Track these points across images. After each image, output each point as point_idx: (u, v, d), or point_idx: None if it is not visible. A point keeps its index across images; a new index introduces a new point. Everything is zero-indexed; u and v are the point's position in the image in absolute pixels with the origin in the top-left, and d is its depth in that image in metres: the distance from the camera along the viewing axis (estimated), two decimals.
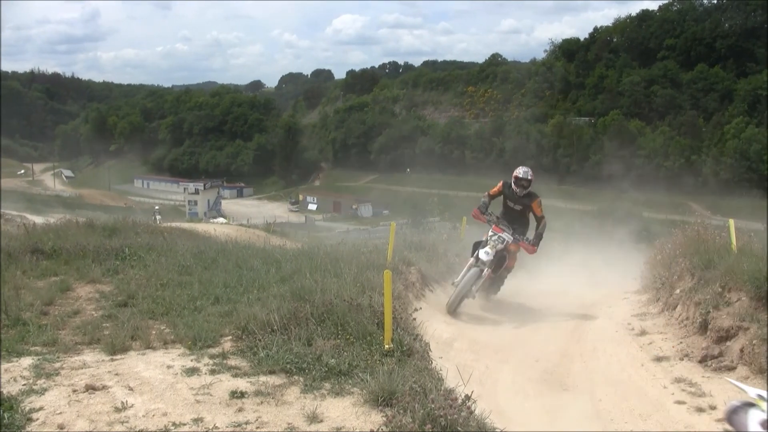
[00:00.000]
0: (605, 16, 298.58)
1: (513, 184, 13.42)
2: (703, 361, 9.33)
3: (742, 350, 8.83)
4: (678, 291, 11.63)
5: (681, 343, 10.22)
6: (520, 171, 13.38)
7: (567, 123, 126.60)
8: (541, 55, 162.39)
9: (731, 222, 12.65)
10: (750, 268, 9.63)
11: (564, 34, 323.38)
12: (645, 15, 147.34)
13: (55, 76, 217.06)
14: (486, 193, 13.83)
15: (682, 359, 9.70)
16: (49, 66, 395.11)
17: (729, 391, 8.31)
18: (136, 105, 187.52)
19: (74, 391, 6.92)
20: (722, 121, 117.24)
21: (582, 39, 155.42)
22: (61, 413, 6.39)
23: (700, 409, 8.10)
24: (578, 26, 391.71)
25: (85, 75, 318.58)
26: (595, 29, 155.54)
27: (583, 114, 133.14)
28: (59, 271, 12.70)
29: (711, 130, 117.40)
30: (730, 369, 8.85)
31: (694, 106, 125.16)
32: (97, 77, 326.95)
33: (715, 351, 9.30)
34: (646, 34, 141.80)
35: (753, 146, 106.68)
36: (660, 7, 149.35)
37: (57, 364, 7.73)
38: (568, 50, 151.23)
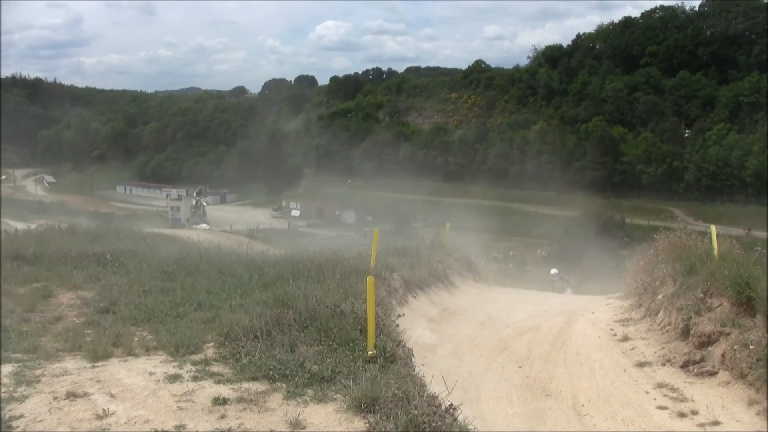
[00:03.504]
0: (588, 22, 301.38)
1: None
2: (684, 366, 9.34)
3: (723, 355, 8.85)
4: (660, 297, 11.66)
5: (663, 348, 10.24)
6: None
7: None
8: (524, 62, 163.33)
9: (713, 228, 12.69)
10: (731, 273, 9.65)
11: (547, 40, 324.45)
12: (628, 22, 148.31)
13: (37, 81, 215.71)
14: None
15: (665, 364, 9.71)
16: (32, 71, 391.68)
17: (711, 396, 8.35)
18: (119, 111, 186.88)
19: (55, 398, 6.87)
20: (704, 128, 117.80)
21: (565, 46, 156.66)
22: (41, 421, 6.34)
23: (682, 414, 8.11)
24: (561, 33, 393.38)
25: (68, 80, 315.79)
26: (578, 36, 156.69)
27: (567, 121, 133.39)
28: (41, 278, 12.64)
29: (693, 136, 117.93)
30: (712, 374, 8.87)
31: (677, 112, 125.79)
32: (80, 83, 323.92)
33: (696, 356, 9.33)
34: (629, 41, 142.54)
35: (734, 153, 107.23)
36: (643, 14, 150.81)
37: (38, 371, 7.68)
38: (551, 57, 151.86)
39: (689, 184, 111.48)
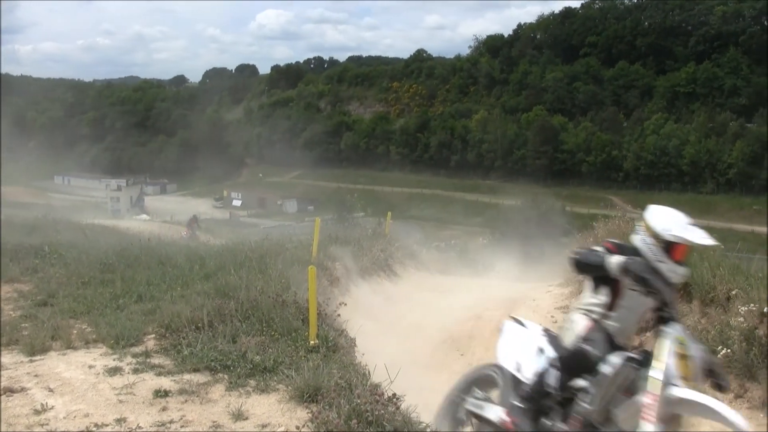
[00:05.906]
0: (529, 12, 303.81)
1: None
2: None
3: None
4: None
5: None
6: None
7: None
8: (465, 51, 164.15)
9: None
10: None
11: (488, 30, 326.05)
12: (568, 12, 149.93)
13: None
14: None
15: None
16: None
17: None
18: (56, 100, 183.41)
19: None
20: (642, 117, 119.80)
21: (506, 35, 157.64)
22: None
23: None
24: (502, 23, 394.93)
25: (2, 69, 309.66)
26: (519, 26, 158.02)
27: (507, 110, 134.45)
28: None
29: (631, 125, 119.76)
30: None
31: (616, 102, 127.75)
32: (15, 71, 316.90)
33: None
34: (569, 32, 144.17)
35: (672, 142, 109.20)
36: (582, 4, 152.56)
37: None
38: (492, 46, 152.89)
39: (628, 173, 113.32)
